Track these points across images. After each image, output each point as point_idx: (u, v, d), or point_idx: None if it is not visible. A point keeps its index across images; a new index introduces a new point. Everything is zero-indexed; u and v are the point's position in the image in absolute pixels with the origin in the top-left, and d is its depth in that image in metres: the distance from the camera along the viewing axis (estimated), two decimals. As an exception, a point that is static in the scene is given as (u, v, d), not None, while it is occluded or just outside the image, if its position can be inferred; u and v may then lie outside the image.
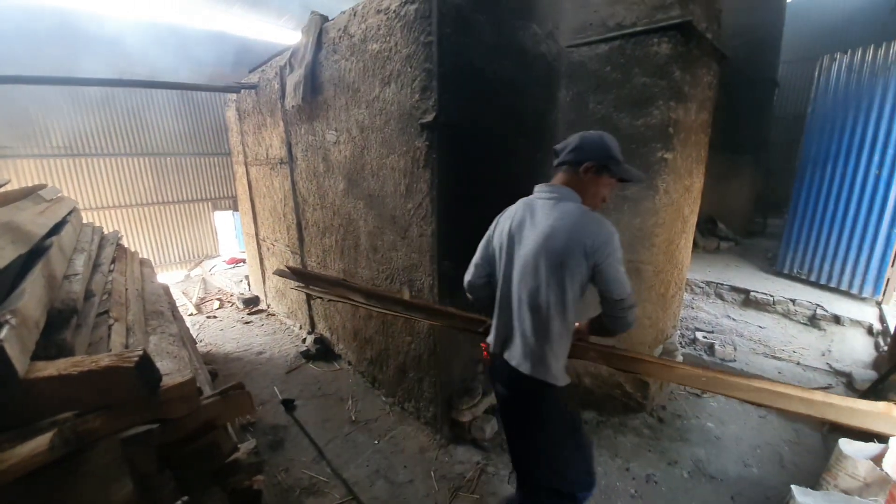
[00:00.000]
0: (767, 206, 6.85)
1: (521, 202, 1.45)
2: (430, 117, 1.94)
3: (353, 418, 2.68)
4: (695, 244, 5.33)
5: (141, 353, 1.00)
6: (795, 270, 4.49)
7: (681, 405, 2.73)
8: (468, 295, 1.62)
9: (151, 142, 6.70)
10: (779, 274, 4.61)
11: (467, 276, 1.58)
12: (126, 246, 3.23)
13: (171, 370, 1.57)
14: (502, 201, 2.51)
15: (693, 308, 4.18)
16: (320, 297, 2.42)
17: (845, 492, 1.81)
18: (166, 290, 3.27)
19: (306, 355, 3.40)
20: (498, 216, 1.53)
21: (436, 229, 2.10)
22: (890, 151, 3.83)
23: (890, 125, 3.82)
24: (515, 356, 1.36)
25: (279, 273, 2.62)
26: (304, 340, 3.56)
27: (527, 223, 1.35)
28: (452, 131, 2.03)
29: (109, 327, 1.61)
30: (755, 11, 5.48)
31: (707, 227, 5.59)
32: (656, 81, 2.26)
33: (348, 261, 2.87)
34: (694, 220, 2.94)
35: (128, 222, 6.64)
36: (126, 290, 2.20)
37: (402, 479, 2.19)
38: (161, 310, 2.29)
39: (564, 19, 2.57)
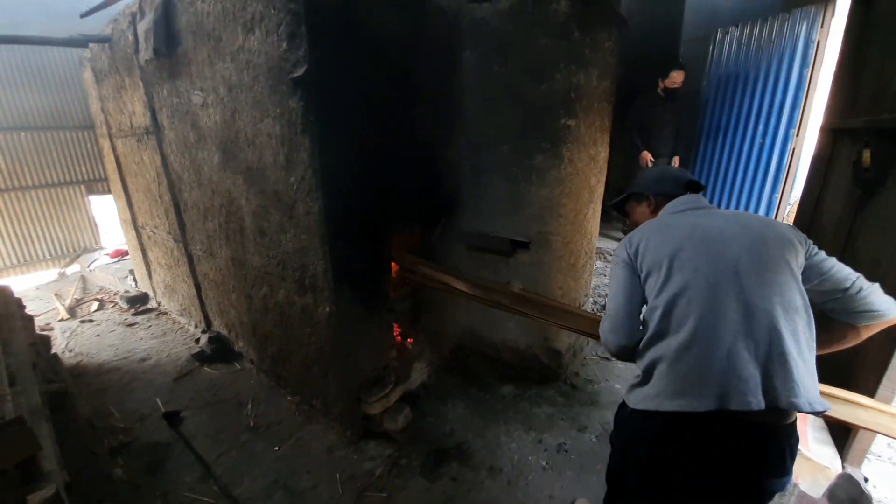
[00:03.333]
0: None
1: (662, 221, 1.23)
2: (301, 70, 1.62)
3: (252, 424, 2.38)
4: (608, 214, 5.60)
5: None
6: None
7: (592, 370, 2.81)
8: (618, 359, 1.30)
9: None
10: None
11: (621, 340, 1.17)
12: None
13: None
14: (405, 176, 2.31)
15: (606, 276, 4.37)
16: (425, 285, 2.35)
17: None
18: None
19: (200, 357, 2.97)
20: (627, 250, 1.20)
21: (323, 206, 1.82)
22: (773, 121, 4.21)
23: (773, 97, 4.17)
24: (782, 393, 0.94)
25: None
26: (197, 341, 3.11)
27: (711, 226, 1.10)
28: (333, 90, 1.74)
29: None
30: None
31: (620, 198, 5.88)
32: (557, 42, 2.15)
33: (235, 247, 2.48)
34: (601, 190, 2.96)
35: (-30, 215, 5.36)
36: None
37: (304, 487, 1.97)
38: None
39: (465, -30, 2.35)
